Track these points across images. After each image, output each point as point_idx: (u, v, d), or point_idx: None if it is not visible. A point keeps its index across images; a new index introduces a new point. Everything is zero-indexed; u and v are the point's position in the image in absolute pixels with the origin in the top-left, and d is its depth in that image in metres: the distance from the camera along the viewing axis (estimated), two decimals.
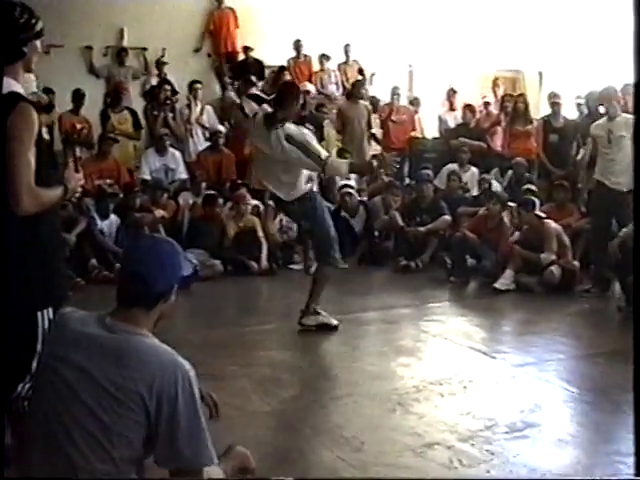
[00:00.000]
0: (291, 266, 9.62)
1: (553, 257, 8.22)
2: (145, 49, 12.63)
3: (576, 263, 8.41)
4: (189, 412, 2.35)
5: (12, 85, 3.31)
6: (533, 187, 9.88)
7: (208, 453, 2.40)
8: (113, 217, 9.07)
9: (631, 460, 3.96)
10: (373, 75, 13.68)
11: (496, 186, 10.31)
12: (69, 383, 2.38)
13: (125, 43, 12.52)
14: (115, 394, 2.33)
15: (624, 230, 7.45)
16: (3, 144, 3.16)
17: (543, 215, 8.57)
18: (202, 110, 11.55)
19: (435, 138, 12.83)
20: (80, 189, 3.65)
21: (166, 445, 2.35)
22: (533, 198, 8.97)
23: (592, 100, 10.45)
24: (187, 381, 2.37)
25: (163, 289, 2.50)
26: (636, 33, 2.87)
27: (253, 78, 11.61)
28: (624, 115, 8.12)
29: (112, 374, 2.34)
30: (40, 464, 2.44)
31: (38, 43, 3.45)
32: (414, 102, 13.05)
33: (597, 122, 8.35)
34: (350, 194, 10.17)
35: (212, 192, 9.84)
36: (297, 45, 13.23)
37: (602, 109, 8.22)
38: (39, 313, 3.29)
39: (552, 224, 8.41)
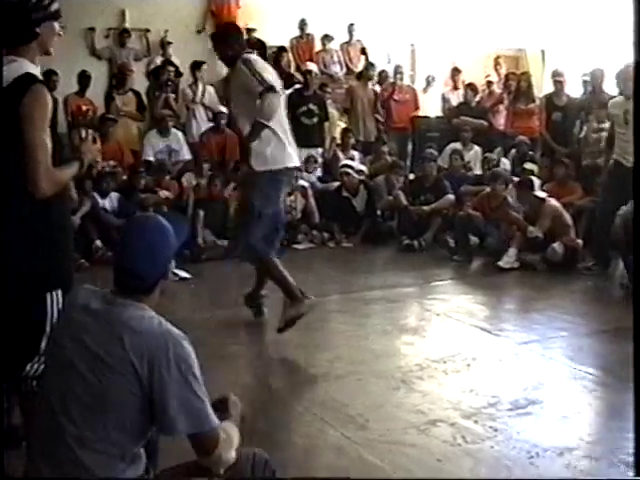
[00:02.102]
0: (294, 246, 9.65)
1: (539, 234, 8.23)
2: (147, 30, 12.60)
3: (579, 241, 8.43)
4: (182, 379, 2.37)
5: (26, 66, 3.31)
6: (531, 166, 9.90)
7: (207, 417, 2.42)
8: (113, 194, 9.08)
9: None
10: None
11: (505, 163, 10.30)
12: (68, 355, 2.43)
13: (127, 24, 12.49)
14: (107, 361, 2.36)
15: (624, 208, 7.46)
16: (16, 123, 3.18)
17: (542, 195, 8.58)
18: (204, 91, 11.54)
19: (438, 117, 12.81)
20: (100, 159, 3.69)
21: (162, 413, 2.38)
22: (531, 177, 8.98)
23: (595, 78, 10.44)
24: (180, 349, 2.40)
25: (158, 276, 2.55)
26: (636, 26, 2.87)
27: None
28: None
29: (105, 342, 2.38)
30: (36, 433, 2.50)
31: (56, 24, 3.44)
32: (429, 81, 13.07)
33: (615, 100, 8.32)
34: (348, 173, 10.17)
35: (215, 173, 9.84)
36: (302, 24, 13.20)
37: (616, 88, 8.16)
38: (48, 294, 3.31)
39: (552, 202, 8.41)
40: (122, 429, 2.41)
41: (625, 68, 8.11)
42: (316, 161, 10.79)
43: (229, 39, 5.95)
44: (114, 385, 2.37)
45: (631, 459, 3.74)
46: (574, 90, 11.31)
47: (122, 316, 2.43)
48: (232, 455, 2.51)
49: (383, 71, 12.83)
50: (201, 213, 9.13)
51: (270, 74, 5.70)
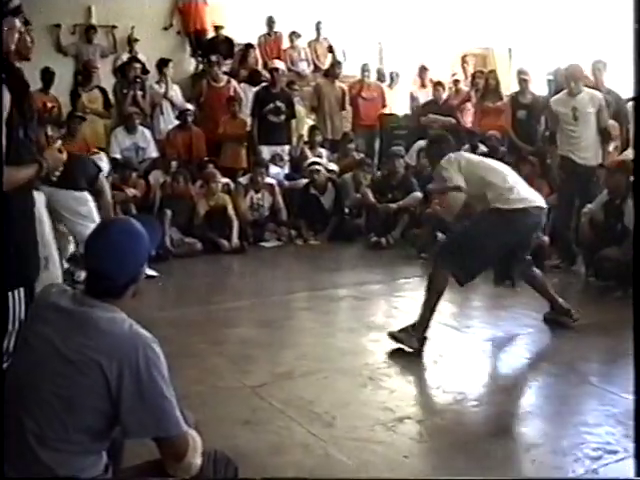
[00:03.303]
0: (262, 244, 9.65)
1: None
2: (114, 27, 12.53)
3: (545, 238, 8.47)
4: (151, 382, 2.35)
5: None
6: None
7: (177, 422, 2.40)
8: None
9: (598, 430, 4.05)
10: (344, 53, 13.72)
11: None
12: (35, 353, 2.40)
13: (93, 21, 12.41)
14: (75, 362, 2.33)
15: (589, 206, 7.51)
16: None
17: None
18: (171, 88, 11.49)
19: (406, 115, 12.84)
20: (61, 168, 3.63)
21: (130, 417, 2.36)
22: None
23: (559, 76, 10.51)
24: (150, 352, 2.37)
25: (129, 279, 2.51)
26: (636, 31, 2.88)
27: (215, 57, 11.61)
28: (588, 91, 8.17)
29: (73, 343, 2.35)
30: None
31: (16, 21, 3.39)
32: (393, 77, 13.05)
33: (557, 97, 8.38)
34: (318, 171, 10.17)
35: (179, 169, 9.81)
36: (269, 22, 13.18)
37: (571, 85, 8.23)
38: (10, 294, 3.27)
39: None
40: (84, 430, 2.38)
41: (573, 66, 8.21)
42: (282, 159, 10.76)
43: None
44: (80, 386, 2.34)
45: (595, 454, 3.78)
46: (541, 89, 11.38)
47: (92, 317, 2.40)
48: (199, 461, 2.50)
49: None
50: (169, 212, 9.09)
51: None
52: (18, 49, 3.40)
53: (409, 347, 5.46)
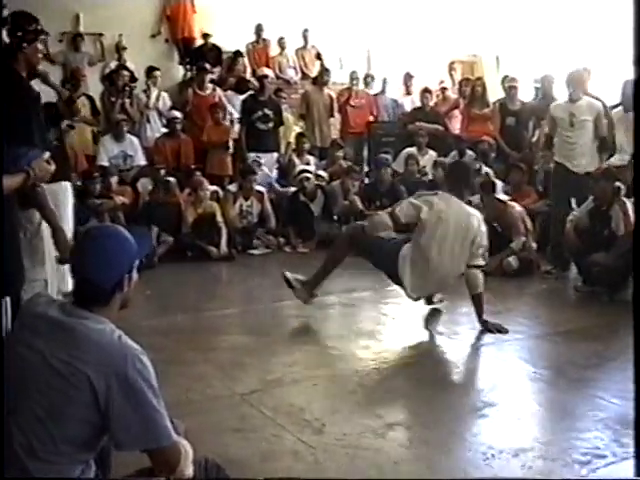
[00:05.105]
0: (251, 251, 9.64)
1: (523, 239, 8.28)
2: (101, 35, 12.53)
3: (534, 244, 8.50)
4: (140, 394, 2.34)
5: None
6: (487, 170, 9.99)
7: (166, 432, 2.40)
8: None
9: (586, 435, 4.06)
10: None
11: (485, 170, 10.26)
12: (23, 363, 2.39)
13: (81, 29, 12.43)
14: (63, 373, 2.32)
15: (574, 213, 7.54)
16: None
17: (505, 198, 8.61)
18: (158, 96, 11.50)
19: (393, 122, 12.87)
20: (48, 179, 3.63)
21: (119, 427, 2.36)
22: (493, 180, 9.03)
23: (546, 83, 10.58)
24: (139, 364, 2.37)
25: (114, 285, 2.50)
26: (636, 29, 2.90)
27: (207, 65, 11.62)
28: (587, 98, 8.21)
29: (61, 354, 2.34)
30: None
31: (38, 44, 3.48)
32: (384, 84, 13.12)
33: (557, 103, 8.41)
34: (308, 178, 10.17)
35: (169, 178, 9.80)
36: (258, 29, 13.23)
37: (569, 91, 8.26)
38: None
39: (516, 207, 8.45)
40: (72, 441, 2.38)
41: (576, 72, 8.22)
42: (259, 165, 10.68)
43: None
44: (67, 397, 2.33)
45: (584, 458, 3.79)
46: (527, 95, 11.45)
47: (81, 329, 2.39)
48: (191, 470, 2.50)
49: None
50: (155, 229, 9.09)
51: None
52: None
53: (297, 297, 6.46)
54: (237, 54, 12.53)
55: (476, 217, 6.08)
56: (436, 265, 5.99)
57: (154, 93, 11.48)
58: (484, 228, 6.10)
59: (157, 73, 11.63)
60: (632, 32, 2.93)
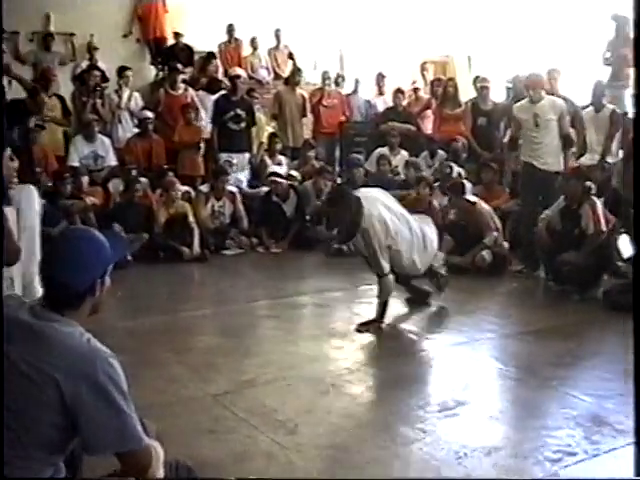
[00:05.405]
0: (223, 252, 9.62)
1: (495, 234, 8.33)
2: (72, 34, 12.45)
3: (505, 244, 8.55)
4: (109, 398, 2.33)
5: None
6: (460, 170, 10.04)
7: (138, 435, 2.39)
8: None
9: (558, 433, 4.10)
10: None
11: (457, 170, 10.31)
12: None
13: (52, 28, 12.34)
14: (31, 377, 2.30)
15: (546, 212, 7.59)
16: None
17: (474, 199, 8.66)
18: (130, 96, 11.45)
19: (366, 122, 12.89)
20: (15, 179, 3.60)
21: (88, 431, 2.34)
22: (463, 181, 9.07)
23: (517, 83, 10.65)
24: (108, 367, 2.35)
25: (85, 289, 2.47)
26: (636, 27, 2.93)
27: (179, 65, 11.58)
28: (549, 98, 8.27)
29: (30, 357, 2.32)
30: None
31: None
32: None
33: (519, 104, 8.47)
34: (277, 182, 10.14)
35: (138, 177, 9.76)
36: (230, 29, 13.19)
37: (530, 93, 8.33)
38: None
39: (483, 205, 8.50)
40: (41, 444, 2.36)
41: (534, 75, 8.30)
42: (231, 165, 10.65)
43: None
44: (35, 401, 2.31)
45: (556, 456, 3.82)
46: (499, 95, 11.52)
47: (50, 332, 2.36)
48: (162, 472, 2.49)
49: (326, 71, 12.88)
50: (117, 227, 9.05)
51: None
52: None
53: None
54: (210, 55, 12.49)
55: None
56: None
57: (126, 93, 11.41)
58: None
59: (129, 73, 11.57)
60: (632, 30, 2.95)
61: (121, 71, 11.56)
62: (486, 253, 8.19)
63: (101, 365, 2.34)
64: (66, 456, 2.52)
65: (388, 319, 6.31)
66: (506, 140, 10.41)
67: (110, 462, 2.50)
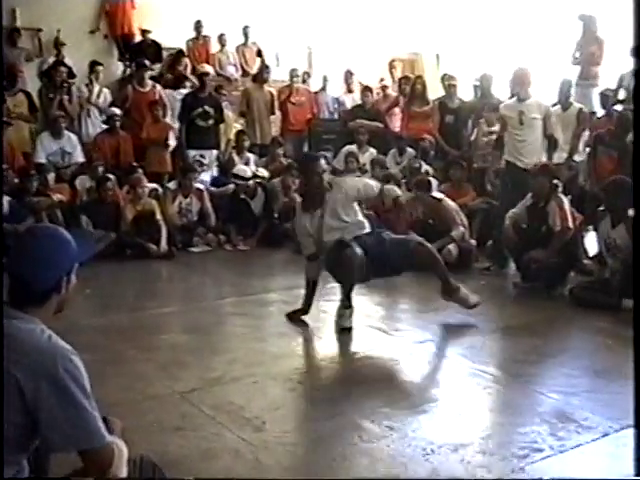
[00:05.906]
0: (191, 249, 9.59)
1: (462, 229, 8.37)
2: (39, 30, 12.34)
3: (473, 241, 8.59)
4: (70, 395, 2.29)
5: None
6: (428, 167, 10.07)
7: (99, 433, 2.36)
8: (3, 198, 8.80)
9: (524, 429, 4.11)
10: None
11: (425, 168, 10.30)
12: None
13: (18, 24, 12.20)
14: None
15: (513, 210, 7.62)
16: None
17: (440, 196, 8.69)
18: (99, 92, 11.39)
19: (334, 119, 12.90)
20: None
21: (49, 428, 2.31)
22: (429, 179, 9.10)
23: (485, 82, 10.72)
24: (69, 364, 2.32)
25: (50, 286, 2.45)
26: (636, 28, 2.93)
27: (147, 62, 11.52)
28: (535, 97, 8.32)
29: None
30: None
31: None
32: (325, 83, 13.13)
33: (506, 102, 8.51)
34: (238, 184, 10.11)
35: (107, 175, 9.68)
36: (197, 26, 13.15)
37: (514, 89, 8.37)
38: None
39: (449, 202, 8.53)
40: (5, 444, 2.33)
41: (520, 71, 8.32)
42: (202, 164, 10.63)
43: None
44: None
45: (522, 452, 3.84)
46: (466, 94, 11.57)
47: (10, 329, 2.33)
48: (124, 470, 2.46)
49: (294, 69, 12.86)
50: (84, 218, 8.99)
51: None
52: None
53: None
54: (180, 53, 12.45)
55: None
56: None
57: (96, 88, 11.36)
58: None
59: (100, 68, 11.54)
60: (632, 27, 2.97)
61: (92, 65, 11.51)
62: (453, 247, 8.22)
63: (62, 362, 2.31)
64: (30, 454, 2.49)
65: (356, 315, 6.30)
66: (473, 138, 10.48)
67: (77, 460, 2.48)
